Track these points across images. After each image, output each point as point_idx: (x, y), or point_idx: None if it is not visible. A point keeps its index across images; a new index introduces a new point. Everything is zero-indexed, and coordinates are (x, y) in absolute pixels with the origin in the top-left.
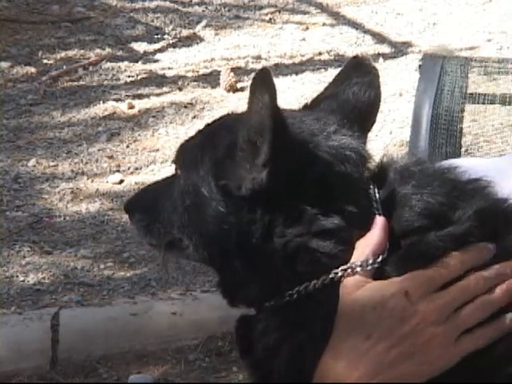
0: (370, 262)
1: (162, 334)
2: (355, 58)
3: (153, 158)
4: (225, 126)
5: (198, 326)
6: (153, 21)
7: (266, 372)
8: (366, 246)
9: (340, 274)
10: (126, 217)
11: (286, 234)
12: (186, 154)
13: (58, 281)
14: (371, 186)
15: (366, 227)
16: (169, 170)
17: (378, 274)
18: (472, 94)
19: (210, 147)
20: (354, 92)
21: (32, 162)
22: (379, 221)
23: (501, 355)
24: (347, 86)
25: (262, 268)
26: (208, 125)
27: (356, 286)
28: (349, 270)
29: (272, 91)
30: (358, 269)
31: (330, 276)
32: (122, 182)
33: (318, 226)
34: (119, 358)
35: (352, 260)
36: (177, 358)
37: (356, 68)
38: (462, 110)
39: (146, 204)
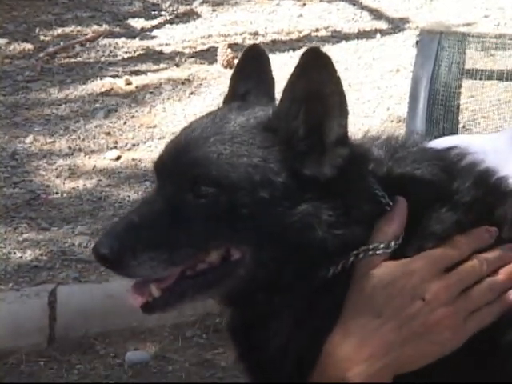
0: (392, 243)
1: (162, 314)
2: (252, 47)
3: (150, 134)
4: (247, 125)
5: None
6: None
7: (276, 370)
8: (388, 228)
9: (362, 255)
10: (123, 193)
11: (340, 222)
12: (220, 170)
13: (56, 257)
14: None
15: (375, 208)
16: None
17: (394, 253)
18: (469, 69)
19: (251, 154)
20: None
21: (29, 139)
22: (399, 202)
23: (502, 322)
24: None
25: (304, 257)
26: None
27: (368, 266)
28: (370, 252)
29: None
30: (381, 251)
31: (351, 259)
32: (119, 158)
33: (353, 214)
34: (116, 335)
35: (375, 241)
36: (174, 335)
37: (256, 57)
38: (460, 86)
39: (146, 239)
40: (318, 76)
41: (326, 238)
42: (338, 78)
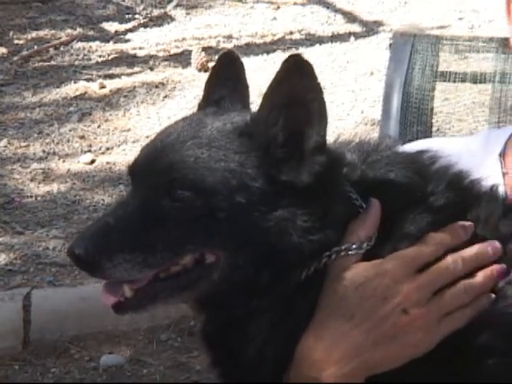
0: (364, 245)
1: (134, 314)
2: (227, 53)
3: (124, 137)
4: (223, 131)
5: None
6: (124, 0)
7: (253, 374)
8: (360, 229)
9: (334, 256)
10: (97, 197)
11: (315, 227)
12: (197, 174)
13: (30, 261)
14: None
15: (349, 211)
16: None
17: (368, 254)
18: (443, 72)
19: (228, 159)
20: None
21: (3, 143)
22: (372, 204)
23: (475, 324)
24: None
25: (279, 261)
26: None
27: (341, 267)
28: (342, 253)
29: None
30: (353, 251)
31: (323, 260)
32: (93, 162)
33: (328, 219)
34: (91, 338)
35: (347, 242)
36: (149, 338)
37: (230, 63)
38: (433, 89)
39: (121, 241)
40: (299, 83)
41: (301, 243)
42: (319, 85)
